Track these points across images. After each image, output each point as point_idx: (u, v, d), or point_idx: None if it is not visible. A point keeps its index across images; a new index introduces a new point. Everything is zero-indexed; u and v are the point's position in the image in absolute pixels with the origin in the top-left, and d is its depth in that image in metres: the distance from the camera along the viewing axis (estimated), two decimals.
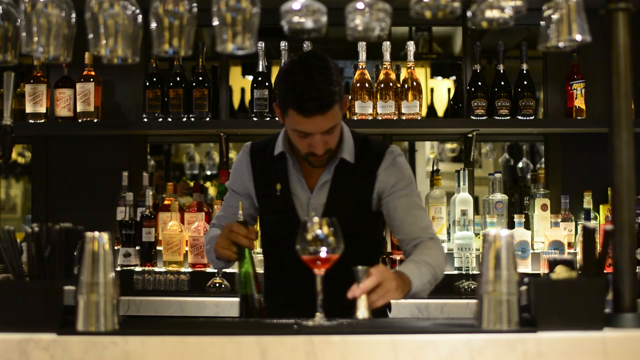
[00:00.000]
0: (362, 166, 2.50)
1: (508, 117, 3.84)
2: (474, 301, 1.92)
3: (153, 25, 1.89)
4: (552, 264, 1.95)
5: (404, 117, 3.80)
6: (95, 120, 3.86)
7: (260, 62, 3.86)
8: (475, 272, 3.63)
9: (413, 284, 2.25)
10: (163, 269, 3.77)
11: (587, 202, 3.88)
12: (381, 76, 3.82)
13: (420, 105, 3.83)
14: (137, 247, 3.83)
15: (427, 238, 2.45)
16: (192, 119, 3.85)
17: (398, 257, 3.71)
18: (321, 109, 2.29)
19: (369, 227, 2.56)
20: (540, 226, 3.87)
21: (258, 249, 3.38)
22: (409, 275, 2.24)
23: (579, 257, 2.12)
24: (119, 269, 3.72)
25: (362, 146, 2.53)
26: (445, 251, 3.80)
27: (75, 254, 1.97)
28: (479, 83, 3.87)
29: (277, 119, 3.71)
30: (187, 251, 3.81)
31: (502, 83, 3.87)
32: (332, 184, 2.49)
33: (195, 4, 1.92)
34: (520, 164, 5.20)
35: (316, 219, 1.97)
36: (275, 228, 2.56)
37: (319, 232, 1.97)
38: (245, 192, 2.58)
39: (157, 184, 4.98)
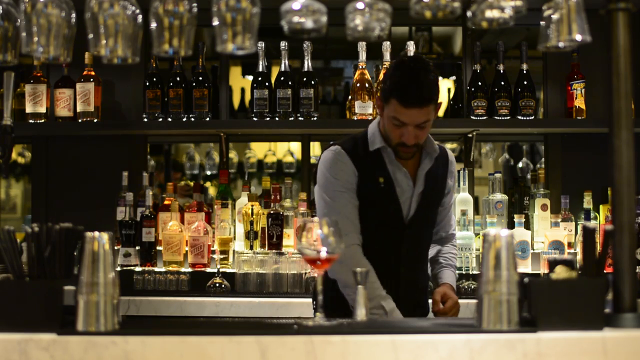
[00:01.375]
0: (441, 157, 2.80)
1: (508, 117, 3.84)
2: (474, 301, 1.92)
3: (153, 25, 1.89)
4: (552, 264, 1.95)
5: None
6: (95, 120, 3.86)
7: (260, 62, 3.86)
8: (475, 272, 3.63)
9: (455, 289, 2.86)
10: (163, 269, 3.77)
11: (587, 202, 3.88)
12: (381, 76, 3.82)
13: None
14: (137, 247, 3.83)
15: (452, 234, 2.97)
16: (192, 119, 3.85)
17: None
18: (420, 103, 2.55)
19: (436, 218, 2.89)
20: (540, 226, 3.87)
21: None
22: (454, 286, 2.87)
23: (579, 257, 2.12)
24: (119, 269, 3.72)
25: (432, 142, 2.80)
26: None
27: (75, 254, 1.97)
28: (479, 83, 3.87)
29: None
30: (187, 251, 3.81)
31: (502, 83, 3.86)
32: (429, 172, 2.74)
33: (195, 4, 1.92)
34: (520, 164, 5.20)
35: (316, 219, 1.98)
36: (375, 219, 2.70)
37: (318, 232, 1.97)
38: (355, 189, 2.69)
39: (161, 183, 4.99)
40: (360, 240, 2.66)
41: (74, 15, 1.99)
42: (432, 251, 2.95)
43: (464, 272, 3.70)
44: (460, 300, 3.39)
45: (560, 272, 1.92)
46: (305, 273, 3.63)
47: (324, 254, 1.97)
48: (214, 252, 3.77)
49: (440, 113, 5.30)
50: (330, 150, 2.73)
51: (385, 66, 3.82)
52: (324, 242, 1.96)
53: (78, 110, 3.86)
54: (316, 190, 2.74)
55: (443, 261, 2.90)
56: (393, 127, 2.62)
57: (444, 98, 5.46)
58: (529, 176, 4.63)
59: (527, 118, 3.85)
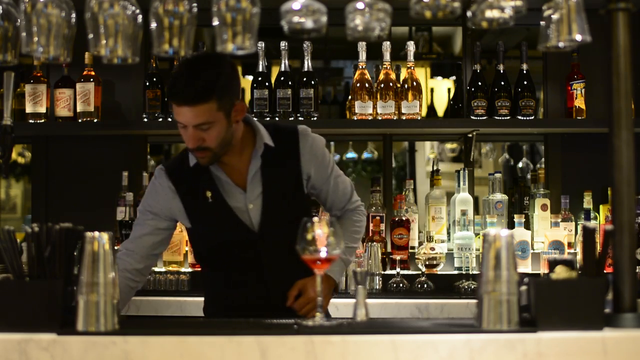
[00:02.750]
0: (282, 148, 2.54)
1: (508, 117, 3.84)
2: (474, 301, 1.92)
3: (153, 25, 1.89)
4: (552, 264, 1.95)
5: (404, 117, 3.80)
6: (95, 120, 3.86)
7: (260, 62, 3.86)
8: (475, 272, 3.63)
9: (335, 279, 2.56)
10: (163, 269, 3.77)
11: (587, 202, 3.88)
12: (381, 76, 3.82)
13: (420, 105, 3.83)
14: None
15: (349, 209, 2.68)
16: None
17: (398, 257, 3.70)
18: (188, 101, 2.33)
19: (302, 209, 2.55)
20: (540, 226, 3.87)
21: None
22: (330, 274, 2.52)
23: (579, 257, 2.12)
24: None
25: (274, 130, 2.57)
26: (445, 251, 3.82)
27: (75, 254, 1.97)
28: (479, 83, 3.87)
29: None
30: (187, 251, 3.81)
31: (502, 83, 3.86)
32: (262, 171, 2.51)
33: (195, 4, 1.92)
34: (520, 164, 5.20)
35: (316, 219, 1.98)
36: (215, 235, 2.53)
37: (319, 232, 1.97)
38: (166, 214, 2.55)
39: None
40: (127, 262, 2.54)
41: (74, 15, 1.99)
42: None
43: (464, 272, 3.70)
44: (460, 301, 3.42)
45: (560, 272, 1.92)
46: None
47: (323, 254, 1.97)
48: None
49: (440, 113, 5.34)
50: (156, 169, 2.60)
51: (385, 66, 3.82)
52: (323, 242, 1.96)
53: (78, 110, 3.86)
54: None
55: None
56: (181, 130, 2.41)
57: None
58: (529, 176, 4.63)
59: (527, 118, 3.85)
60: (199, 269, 3.74)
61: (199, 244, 2.62)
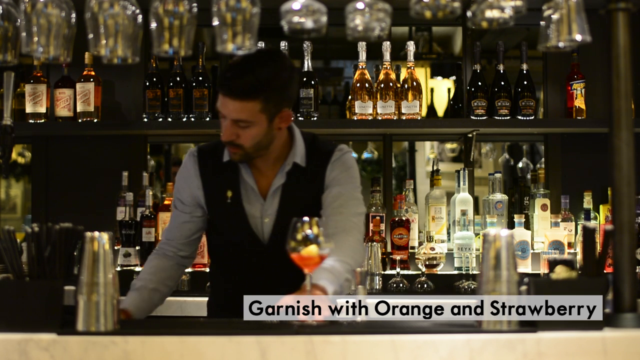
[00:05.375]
0: (312, 168, 2.47)
1: (508, 117, 3.84)
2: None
3: (153, 25, 1.89)
4: (552, 264, 1.95)
5: (404, 117, 3.80)
6: (95, 120, 3.86)
7: None
8: (475, 272, 3.63)
9: (328, 290, 2.20)
10: None
11: (587, 202, 3.88)
12: (381, 76, 3.82)
13: (420, 105, 3.83)
14: (137, 247, 3.82)
15: (342, 230, 2.38)
16: (192, 119, 3.85)
17: (398, 257, 3.71)
18: (233, 94, 2.27)
19: None
20: (540, 226, 3.87)
21: None
22: (323, 285, 2.20)
23: (579, 257, 2.12)
24: (119, 269, 3.72)
25: (311, 146, 2.49)
26: (445, 251, 3.82)
27: (75, 254, 1.97)
28: (479, 83, 3.87)
29: None
30: None
31: (502, 83, 3.86)
32: (284, 188, 2.45)
33: (195, 4, 1.92)
34: (520, 164, 5.20)
35: (306, 219, 1.97)
36: (226, 236, 2.52)
37: (308, 231, 1.97)
38: (193, 202, 2.51)
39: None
40: (170, 251, 2.52)
41: (74, 15, 1.99)
42: None
43: (464, 272, 3.71)
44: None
45: (560, 272, 1.92)
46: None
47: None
48: None
49: (440, 113, 5.33)
50: (189, 151, 2.54)
51: (385, 66, 3.82)
52: (314, 241, 1.96)
53: (78, 110, 3.86)
54: None
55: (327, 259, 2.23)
56: (220, 119, 2.36)
57: (442, 100, 5.46)
58: (529, 176, 4.63)
59: (527, 118, 3.85)
60: (199, 269, 3.79)
61: (213, 237, 2.60)
